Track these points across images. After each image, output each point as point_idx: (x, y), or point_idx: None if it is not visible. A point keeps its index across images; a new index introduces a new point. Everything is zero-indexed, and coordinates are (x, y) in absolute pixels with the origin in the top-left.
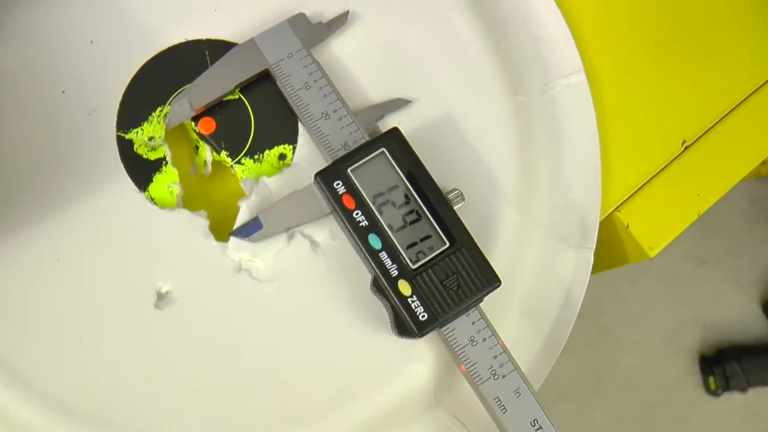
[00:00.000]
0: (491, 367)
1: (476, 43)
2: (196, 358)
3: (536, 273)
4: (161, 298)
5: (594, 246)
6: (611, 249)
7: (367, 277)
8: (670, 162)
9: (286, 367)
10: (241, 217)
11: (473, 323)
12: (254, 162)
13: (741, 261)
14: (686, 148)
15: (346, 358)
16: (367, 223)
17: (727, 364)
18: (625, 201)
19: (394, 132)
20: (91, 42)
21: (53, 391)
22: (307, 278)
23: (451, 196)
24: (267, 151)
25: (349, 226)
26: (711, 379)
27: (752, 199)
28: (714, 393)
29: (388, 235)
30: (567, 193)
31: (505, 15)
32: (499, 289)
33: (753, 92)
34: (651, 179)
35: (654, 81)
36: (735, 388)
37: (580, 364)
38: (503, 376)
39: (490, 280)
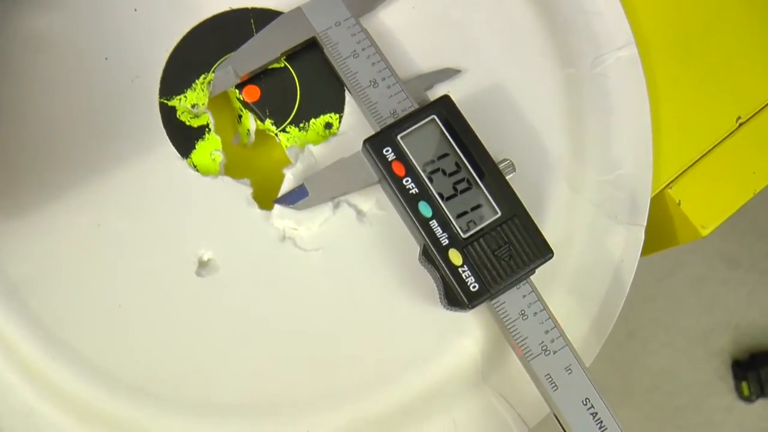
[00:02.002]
0: (542, 342)
1: (527, 15)
2: (238, 327)
3: (585, 250)
4: (203, 266)
5: (645, 223)
6: (661, 228)
7: (414, 249)
8: (724, 138)
9: (331, 340)
10: (286, 185)
11: (524, 296)
12: (299, 130)
13: None
14: (741, 124)
15: (392, 331)
16: (417, 191)
17: (762, 369)
18: (676, 178)
19: (445, 99)
20: (135, 10)
21: (94, 358)
22: (353, 248)
23: (502, 165)
24: (313, 120)
25: (398, 194)
26: (744, 385)
27: None
28: (747, 399)
29: (439, 203)
30: (617, 169)
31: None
32: (546, 265)
33: None
34: (704, 156)
35: (708, 55)
36: None
37: (607, 364)
38: (554, 352)
39: (542, 250)
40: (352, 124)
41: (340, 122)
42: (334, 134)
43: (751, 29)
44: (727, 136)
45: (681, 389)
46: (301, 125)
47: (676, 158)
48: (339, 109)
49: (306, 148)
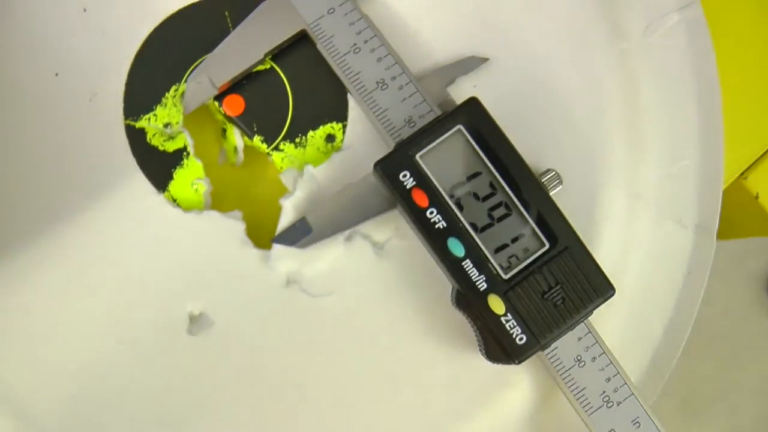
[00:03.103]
0: (603, 392)
1: None
2: (241, 389)
3: (645, 263)
4: (194, 321)
5: (717, 225)
6: (732, 222)
7: (446, 283)
8: None
9: (352, 399)
10: (285, 219)
11: (579, 339)
12: (296, 147)
13: None
14: None
15: (423, 386)
16: (445, 225)
17: None
18: (752, 165)
19: (473, 103)
20: (85, 10)
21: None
22: (371, 289)
23: (545, 179)
24: (311, 132)
25: (421, 231)
26: None
27: None
28: None
29: (472, 237)
30: (681, 159)
31: None
32: None
33: None
34: None
35: None
36: None
37: None
38: (618, 403)
39: (602, 289)
40: (360, 135)
41: (344, 133)
42: (338, 149)
43: None
44: None
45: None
46: (298, 140)
47: (752, 143)
48: (342, 117)
49: (305, 171)
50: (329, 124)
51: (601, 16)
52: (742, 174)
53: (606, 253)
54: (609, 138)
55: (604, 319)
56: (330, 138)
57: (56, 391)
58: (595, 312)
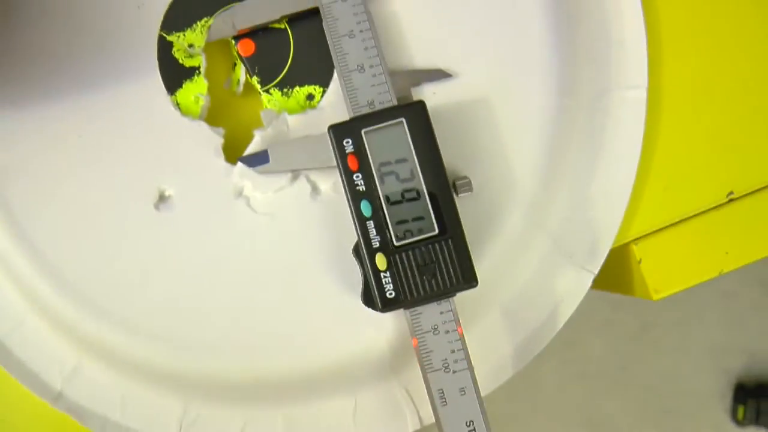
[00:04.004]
0: (445, 359)
1: (543, 30)
2: (182, 262)
3: (530, 280)
4: (163, 200)
5: (597, 272)
6: (616, 275)
7: (353, 237)
8: (708, 210)
9: (256, 297)
10: (253, 146)
11: (441, 313)
12: (282, 95)
13: None
14: (731, 200)
15: (314, 306)
16: (364, 189)
17: (763, 400)
18: (645, 235)
19: (419, 105)
20: None
21: (51, 256)
22: (300, 222)
23: (458, 183)
24: (297, 88)
25: (346, 187)
26: (741, 408)
27: None
28: (740, 423)
29: (382, 206)
30: (587, 209)
31: (583, 9)
32: (491, 283)
33: None
34: (680, 222)
35: (720, 119)
36: (763, 425)
37: (612, 350)
38: (454, 372)
39: (467, 279)
40: (333, 102)
41: (322, 96)
42: (313, 107)
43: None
44: (713, 208)
45: (677, 394)
46: (285, 90)
47: (652, 216)
48: (325, 83)
49: (282, 115)
50: (313, 86)
51: (561, 69)
52: (636, 240)
53: (495, 258)
54: (530, 173)
55: (488, 309)
56: (310, 97)
57: (51, 220)
58: (481, 300)
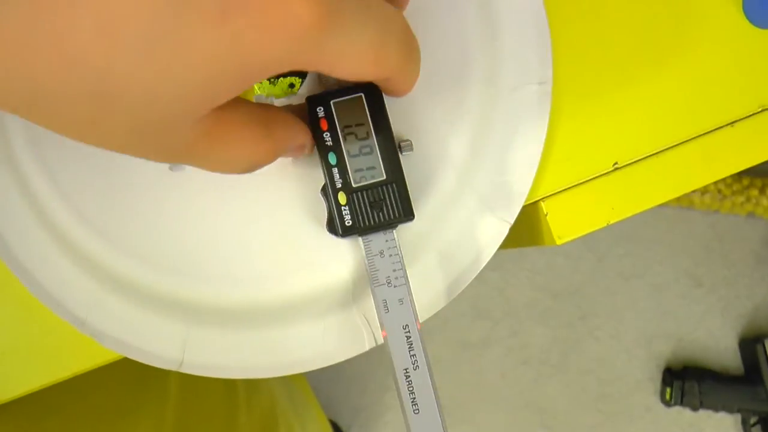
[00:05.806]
0: (388, 276)
1: (474, 37)
2: (189, 208)
3: (461, 227)
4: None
5: (512, 221)
6: (529, 229)
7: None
8: (598, 176)
9: (234, 230)
10: None
11: (386, 241)
12: (270, 83)
13: (735, 294)
14: (616, 168)
15: (284, 238)
16: (331, 144)
17: (687, 381)
18: (551, 195)
19: (375, 86)
20: None
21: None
22: (280, 172)
23: (403, 143)
24: (281, 78)
25: (317, 142)
26: (668, 390)
27: (766, 240)
28: (667, 403)
29: (344, 157)
30: (507, 174)
31: (505, 16)
32: (427, 230)
33: (689, 140)
34: (578, 185)
35: (607, 105)
36: (688, 405)
37: (552, 338)
38: (395, 286)
39: (407, 213)
40: (309, 90)
41: (300, 85)
42: (294, 94)
43: (646, 90)
44: (602, 174)
45: (613, 379)
46: (272, 80)
47: (557, 180)
48: (303, 75)
49: (269, 98)
50: (293, 77)
51: (489, 64)
52: (543, 198)
53: (431, 208)
54: (461, 143)
55: (426, 250)
56: (291, 85)
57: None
58: (419, 244)
